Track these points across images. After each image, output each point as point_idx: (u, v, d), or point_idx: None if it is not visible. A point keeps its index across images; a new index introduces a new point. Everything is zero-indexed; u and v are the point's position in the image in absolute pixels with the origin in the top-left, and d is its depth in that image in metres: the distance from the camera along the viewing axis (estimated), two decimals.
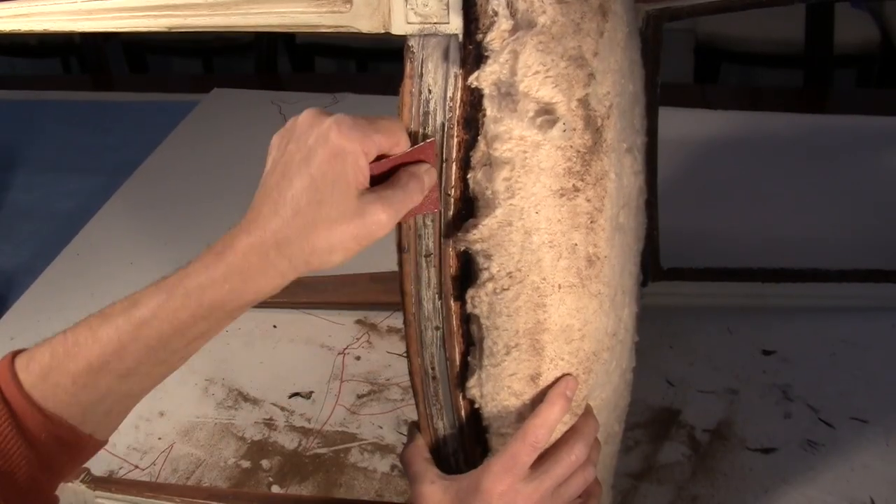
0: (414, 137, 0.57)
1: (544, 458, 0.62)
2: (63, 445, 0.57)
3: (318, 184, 0.52)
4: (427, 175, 0.56)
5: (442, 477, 0.63)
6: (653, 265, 1.09)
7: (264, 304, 1.31)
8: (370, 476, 0.95)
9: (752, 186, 1.40)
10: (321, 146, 0.52)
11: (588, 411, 0.65)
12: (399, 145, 0.55)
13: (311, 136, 0.53)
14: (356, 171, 0.53)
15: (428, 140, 0.57)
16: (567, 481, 0.62)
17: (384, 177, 0.56)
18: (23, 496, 0.56)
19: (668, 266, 1.11)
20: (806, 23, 2.02)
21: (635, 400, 0.75)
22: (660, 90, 0.98)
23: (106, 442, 0.61)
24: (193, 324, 0.55)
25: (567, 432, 0.64)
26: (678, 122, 1.23)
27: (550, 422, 0.61)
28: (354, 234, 0.53)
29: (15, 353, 0.57)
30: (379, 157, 0.55)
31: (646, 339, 0.74)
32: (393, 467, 0.95)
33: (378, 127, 0.54)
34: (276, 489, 0.94)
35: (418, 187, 0.55)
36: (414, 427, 0.68)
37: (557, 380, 0.62)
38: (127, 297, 0.57)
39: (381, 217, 0.53)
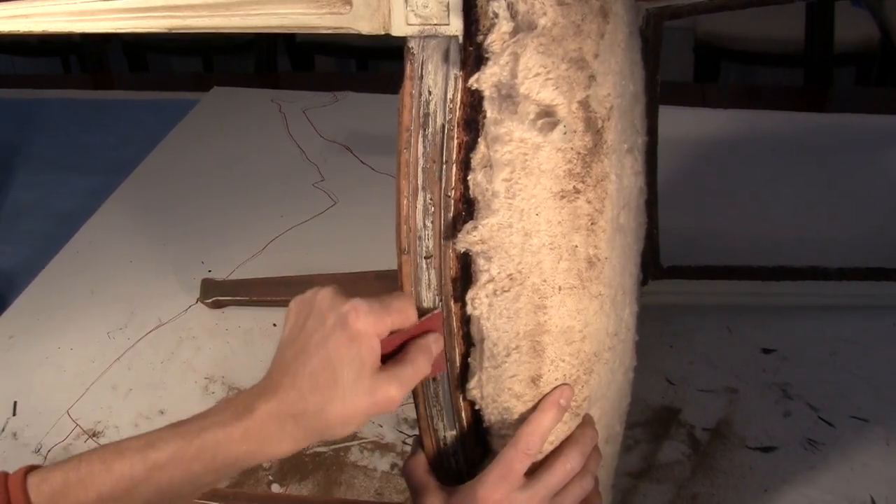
0: (421, 311, 0.61)
1: (539, 468, 0.63)
2: None
3: (334, 364, 0.56)
4: (435, 344, 0.60)
5: (441, 488, 0.65)
6: (653, 264, 1.09)
7: (264, 304, 1.31)
8: (370, 475, 0.95)
9: (752, 185, 1.40)
10: (339, 329, 0.56)
11: (586, 421, 0.66)
12: (409, 321, 0.59)
13: (330, 317, 0.57)
14: (369, 353, 0.57)
15: (434, 311, 0.61)
16: (564, 491, 0.63)
17: (395, 349, 0.60)
18: None
19: (668, 264, 1.11)
20: (806, 21, 2.02)
21: (635, 399, 0.75)
22: (660, 89, 0.98)
23: None
24: (205, 475, 0.58)
25: (563, 441, 0.64)
26: (678, 121, 1.23)
27: (543, 429, 0.62)
28: (366, 410, 0.57)
29: (28, 470, 0.58)
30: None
31: (646, 338, 0.74)
32: (393, 466, 0.95)
33: (391, 309, 0.58)
34: (275, 488, 0.94)
35: (427, 360, 0.59)
36: (417, 442, 0.69)
37: (553, 389, 0.63)
38: (143, 435, 0.58)
39: (392, 393, 0.57)
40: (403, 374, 0.58)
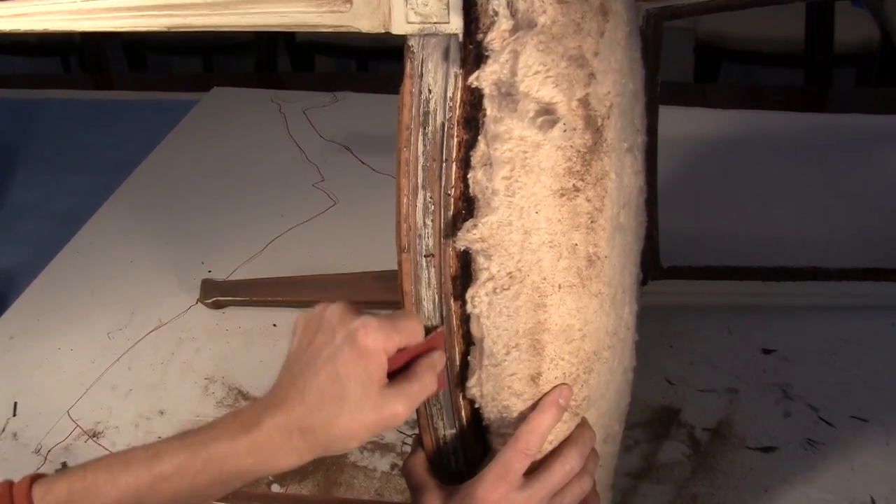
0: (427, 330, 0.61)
1: (538, 468, 0.63)
2: None
3: (342, 379, 0.56)
4: (439, 362, 0.61)
5: (440, 487, 0.65)
6: (653, 264, 1.09)
7: (264, 304, 1.31)
8: (370, 475, 0.95)
9: (752, 185, 1.40)
10: (348, 345, 0.57)
11: (584, 422, 0.66)
12: (416, 339, 0.60)
13: (339, 333, 0.58)
14: (377, 369, 0.57)
15: (438, 330, 0.62)
16: (563, 491, 0.63)
17: (400, 366, 0.60)
18: None
19: (667, 265, 1.11)
20: (806, 21, 2.02)
21: (635, 399, 0.75)
22: (660, 89, 0.98)
23: None
24: (210, 487, 0.58)
25: (562, 442, 0.64)
26: (678, 121, 1.23)
27: (542, 429, 0.62)
28: (372, 425, 0.57)
29: (34, 479, 0.58)
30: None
31: (646, 338, 0.74)
32: (393, 466, 0.95)
33: (399, 327, 0.59)
34: (275, 488, 0.94)
35: (433, 377, 0.60)
36: (417, 440, 0.69)
37: (553, 388, 0.63)
38: (149, 446, 0.59)
39: (399, 409, 0.58)
40: (410, 390, 0.58)
